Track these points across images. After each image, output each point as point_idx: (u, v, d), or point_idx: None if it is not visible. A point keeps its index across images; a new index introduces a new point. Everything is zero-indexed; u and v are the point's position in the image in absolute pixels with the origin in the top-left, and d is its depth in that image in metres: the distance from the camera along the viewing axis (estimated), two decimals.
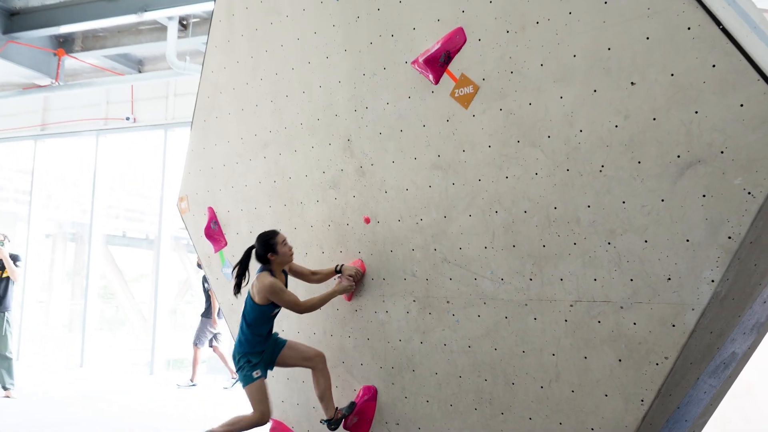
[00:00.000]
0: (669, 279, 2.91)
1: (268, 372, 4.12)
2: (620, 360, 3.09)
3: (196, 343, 8.01)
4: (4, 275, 7.06)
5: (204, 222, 4.98)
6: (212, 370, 9.79)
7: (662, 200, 2.92)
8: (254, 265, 4.06)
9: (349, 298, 4.17)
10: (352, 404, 4.09)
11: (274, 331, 4.15)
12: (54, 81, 9.56)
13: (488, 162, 3.48)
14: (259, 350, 4.03)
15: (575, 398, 3.25)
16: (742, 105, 2.69)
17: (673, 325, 2.91)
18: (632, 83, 2.98)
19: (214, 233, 4.93)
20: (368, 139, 3.99)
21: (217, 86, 4.82)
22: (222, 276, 4.98)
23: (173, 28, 8.18)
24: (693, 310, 2.85)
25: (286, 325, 4.48)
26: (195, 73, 8.14)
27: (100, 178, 10.04)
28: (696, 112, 2.81)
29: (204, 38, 8.17)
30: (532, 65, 3.29)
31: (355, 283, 4.06)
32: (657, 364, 2.98)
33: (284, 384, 4.60)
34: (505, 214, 3.43)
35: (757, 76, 2.65)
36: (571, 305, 3.23)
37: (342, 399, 4.24)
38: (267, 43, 4.47)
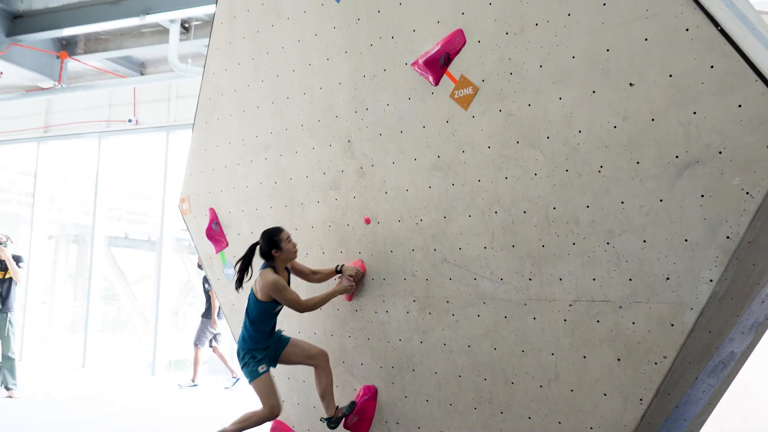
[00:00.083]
0: (667, 279, 2.92)
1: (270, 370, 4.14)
2: (619, 359, 3.10)
3: (197, 343, 8.03)
4: (7, 276, 7.09)
5: (205, 223, 5.00)
6: (213, 371, 9.81)
7: (661, 200, 2.93)
8: (257, 262, 4.08)
9: (350, 298, 4.19)
10: (353, 403, 4.10)
11: (277, 329, 4.17)
12: (57, 83, 9.59)
13: (488, 163, 3.49)
14: (263, 347, 4.04)
15: (574, 397, 3.27)
16: (740, 106, 2.70)
17: (672, 325, 2.92)
18: (631, 84, 2.99)
19: (215, 234, 4.95)
20: (368, 141, 4.01)
21: (218, 88, 4.84)
22: (223, 277, 5.00)
23: (175, 30, 8.22)
24: (691, 309, 2.87)
25: (287, 324, 4.50)
26: (197, 76, 8.17)
27: (103, 180, 10.07)
28: (694, 113, 2.82)
29: (205, 41, 8.21)
30: (532, 67, 3.30)
31: (355, 283, 4.08)
32: (656, 363, 2.99)
33: (285, 383, 4.62)
34: (504, 214, 3.44)
35: (755, 77, 2.66)
36: (570, 305, 3.24)
37: (342, 398, 4.26)
38: (268, 45, 4.50)
